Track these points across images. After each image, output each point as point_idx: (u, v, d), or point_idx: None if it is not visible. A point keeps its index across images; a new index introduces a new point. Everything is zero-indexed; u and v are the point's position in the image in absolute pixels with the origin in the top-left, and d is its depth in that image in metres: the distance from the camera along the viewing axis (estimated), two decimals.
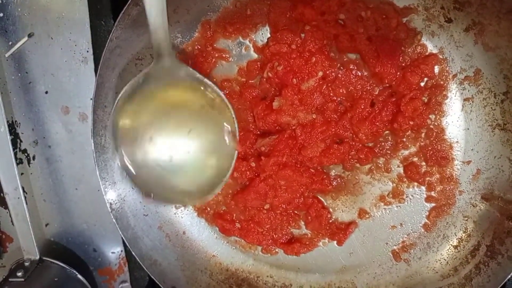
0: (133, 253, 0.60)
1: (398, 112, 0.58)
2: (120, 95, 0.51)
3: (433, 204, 0.62)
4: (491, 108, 0.57)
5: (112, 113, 0.52)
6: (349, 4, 0.56)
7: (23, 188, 0.69)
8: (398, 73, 0.57)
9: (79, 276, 0.73)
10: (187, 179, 0.55)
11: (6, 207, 0.72)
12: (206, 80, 0.51)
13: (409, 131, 0.60)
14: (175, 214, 0.67)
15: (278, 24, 0.58)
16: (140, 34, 0.56)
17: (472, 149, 0.59)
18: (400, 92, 0.58)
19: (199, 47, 0.61)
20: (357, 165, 0.63)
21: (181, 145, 0.53)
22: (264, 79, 0.60)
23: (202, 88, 0.52)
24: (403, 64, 0.57)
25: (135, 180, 0.54)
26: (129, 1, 0.51)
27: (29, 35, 0.67)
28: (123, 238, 0.60)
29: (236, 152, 0.53)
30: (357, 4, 0.56)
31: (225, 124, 0.53)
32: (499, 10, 0.49)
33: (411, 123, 0.58)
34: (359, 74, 0.58)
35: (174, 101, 0.53)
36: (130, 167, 0.53)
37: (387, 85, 0.58)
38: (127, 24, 0.53)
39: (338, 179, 0.63)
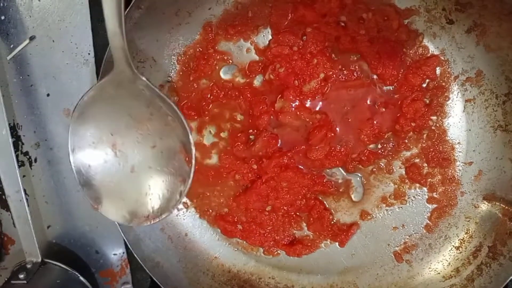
0: (135, 255, 0.60)
1: (400, 114, 0.58)
2: (80, 100, 0.51)
3: (435, 205, 0.62)
4: (493, 109, 0.57)
5: (72, 116, 0.51)
6: (350, 6, 0.56)
7: (25, 191, 0.69)
8: (400, 75, 0.57)
9: (81, 278, 0.73)
10: (143, 194, 0.52)
11: (8, 210, 0.72)
12: (163, 96, 0.50)
13: (411, 133, 0.60)
14: (177, 216, 0.67)
15: (279, 26, 0.58)
16: (141, 37, 0.56)
17: (474, 150, 0.59)
18: (402, 93, 0.58)
19: (201, 50, 0.61)
20: (359, 166, 0.63)
21: (144, 158, 0.52)
22: (266, 81, 0.60)
23: (159, 103, 0.50)
24: (405, 66, 0.57)
25: (87, 186, 0.53)
26: (131, 4, 0.51)
27: (31, 38, 0.67)
28: (125, 240, 0.60)
29: (191, 175, 0.50)
30: (358, 6, 0.56)
31: (182, 142, 0.51)
32: (501, 11, 0.49)
33: (413, 124, 0.58)
34: (361, 75, 0.58)
35: (136, 113, 0.51)
36: (84, 171, 0.52)
37: (389, 86, 0.58)
38: (128, 27, 0.53)
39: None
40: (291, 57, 0.57)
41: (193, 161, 0.50)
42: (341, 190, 0.63)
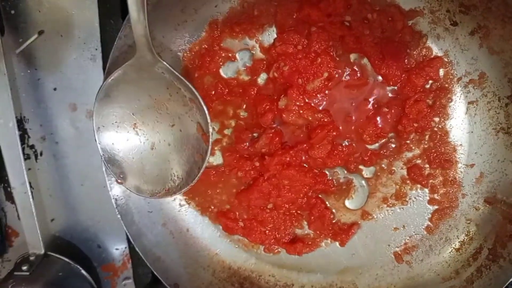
0: (137, 249, 0.61)
1: (402, 114, 0.58)
2: (105, 82, 0.54)
3: (436, 207, 0.62)
4: (495, 111, 0.57)
5: (97, 97, 0.55)
6: (355, 6, 0.56)
7: (30, 183, 0.70)
8: (403, 75, 0.57)
9: (83, 272, 0.74)
10: (163, 169, 0.57)
11: (13, 202, 0.73)
12: (182, 78, 0.53)
13: (413, 134, 0.60)
14: (179, 211, 0.68)
15: (284, 25, 0.58)
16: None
17: (475, 152, 0.60)
18: (405, 94, 0.58)
19: (206, 47, 0.62)
20: (361, 166, 0.63)
21: (164, 136, 0.56)
22: (270, 79, 0.60)
23: (178, 86, 0.53)
24: (408, 67, 0.57)
25: (111, 162, 0.57)
26: None
27: (39, 33, 0.68)
28: (128, 234, 0.61)
29: (209, 152, 0.54)
30: (363, 6, 0.56)
31: (199, 122, 0.54)
32: (504, 14, 0.49)
33: (415, 125, 0.58)
34: (364, 75, 0.59)
35: (156, 95, 0.55)
36: (108, 149, 0.56)
37: (392, 87, 0.58)
38: None
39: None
40: (296, 55, 0.58)
41: (210, 140, 0.54)
42: (343, 188, 0.64)
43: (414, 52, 0.57)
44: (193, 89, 0.52)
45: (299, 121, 0.61)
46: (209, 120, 0.53)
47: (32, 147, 0.73)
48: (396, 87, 0.58)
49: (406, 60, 0.57)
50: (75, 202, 0.76)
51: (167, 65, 0.52)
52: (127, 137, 0.56)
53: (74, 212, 0.76)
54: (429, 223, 0.62)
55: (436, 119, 0.59)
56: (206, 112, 0.53)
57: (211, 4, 0.60)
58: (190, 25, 0.61)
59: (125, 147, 0.56)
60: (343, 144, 0.62)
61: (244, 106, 0.63)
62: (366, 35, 0.57)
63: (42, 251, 0.72)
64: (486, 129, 0.58)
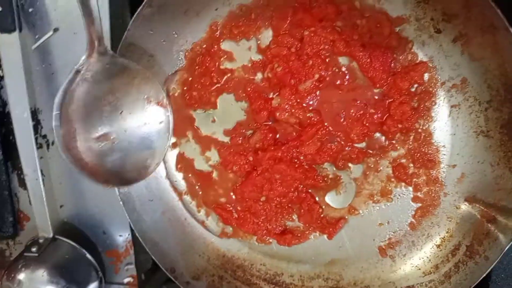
0: (137, 234, 0.64)
1: (387, 115, 0.61)
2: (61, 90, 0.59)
3: (419, 204, 0.65)
4: (476, 115, 0.60)
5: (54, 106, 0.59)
6: (346, 13, 0.59)
7: (41, 171, 0.74)
8: (389, 79, 0.60)
9: (88, 256, 0.78)
10: (128, 157, 0.61)
11: (25, 188, 0.77)
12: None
13: (398, 134, 0.63)
14: (178, 201, 0.71)
15: (279, 29, 0.62)
16: (152, 33, 0.61)
17: (457, 154, 0.62)
18: (391, 96, 0.61)
19: (206, 47, 0.65)
20: (349, 164, 0.66)
21: (117, 126, 0.60)
22: (265, 79, 0.64)
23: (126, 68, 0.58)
24: (395, 70, 0.60)
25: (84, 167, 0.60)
26: (143, 3, 0.56)
27: (55, 30, 0.73)
28: (129, 219, 0.65)
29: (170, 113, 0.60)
30: (353, 12, 0.59)
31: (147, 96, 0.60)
32: (482, 23, 0.52)
33: (400, 126, 0.61)
34: (353, 78, 0.62)
35: (105, 88, 0.59)
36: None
37: (379, 89, 0.61)
38: (140, 24, 0.58)
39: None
40: (289, 57, 0.61)
41: (168, 105, 0.60)
42: (328, 183, 0.67)
43: (401, 57, 0.60)
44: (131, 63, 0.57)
45: (291, 119, 0.64)
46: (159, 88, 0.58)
47: (44, 137, 0.78)
48: (382, 90, 0.61)
49: (392, 64, 0.60)
50: (83, 190, 0.80)
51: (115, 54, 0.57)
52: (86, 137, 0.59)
53: (82, 200, 0.80)
54: (413, 219, 0.65)
55: (420, 121, 0.62)
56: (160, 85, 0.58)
57: (212, 7, 0.63)
58: (192, 26, 0.65)
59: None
60: (332, 142, 0.65)
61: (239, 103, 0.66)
62: (355, 39, 0.60)
63: (51, 235, 0.76)
64: (468, 131, 0.61)
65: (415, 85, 0.61)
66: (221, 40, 0.65)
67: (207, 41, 0.65)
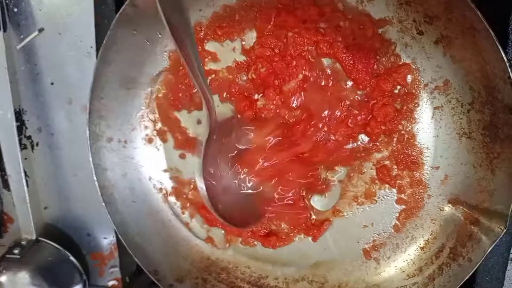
0: (120, 236, 0.64)
1: (371, 117, 0.61)
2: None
3: (403, 206, 0.65)
4: (459, 117, 0.60)
5: None
6: (329, 14, 0.59)
7: (25, 172, 0.74)
8: (372, 80, 0.60)
9: (72, 258, 0.77)
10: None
11: (9, 189, 0.77)
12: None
13: (382, 136, 0.63)
14: (162, 202, 0.71)
15: (263, 30, 0.62)
16: (135, 33, 0.61)
17: (441, 156, 0.62)
18: (374, 98, 0.61)
19: None
20: (336, 167, 0.66)
21: None
22: (249, 80, 0.64)
23: None
24: (378, 72, 0.61)
25: None
26: (126, 2, 0.56)
27: (40, 30, 0.73)
28: (112, 221, 0.64)
29: None
30: (336, 14, 0.59)
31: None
32: (463, 25, 0.52)
33: (383, 127, 0.61)
34: (336, 79, 0.62)
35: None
36: None
37: (362, 91, 0.61)
38: (123, 24, 0.58)
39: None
40: (272, 58, 0.61)
41: None
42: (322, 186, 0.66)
43: (383, 59, 0.60)
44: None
45: (277, 119, 0.64)
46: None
47: (29, 137, 0.77)
48: (365, 91, 0.61)
49: (375, 66, 0.60)
50: (67, 192, 0.80)
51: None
52: None
53: (67, 201, 0.80)
54: (397, 222, 0.65)
55: (404, 123, 0.62)
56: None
57: (195, 8, 0.63)
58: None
59: None
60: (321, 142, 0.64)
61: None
62: (338, 41, 0.60)
63: (34, 237, 0.76)
64: (451, 133, 0.61)
65: (398, 87, 0.61)
66: (205, 41, 0.65)
67: None
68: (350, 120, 0.62)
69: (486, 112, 0.56)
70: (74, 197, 0.80)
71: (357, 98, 0.62)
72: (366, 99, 0.62)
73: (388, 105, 0.60)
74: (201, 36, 0.64)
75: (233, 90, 0.65)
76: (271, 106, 0.63)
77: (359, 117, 0.62)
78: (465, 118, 0.59)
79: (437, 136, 0.62)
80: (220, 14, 0.63)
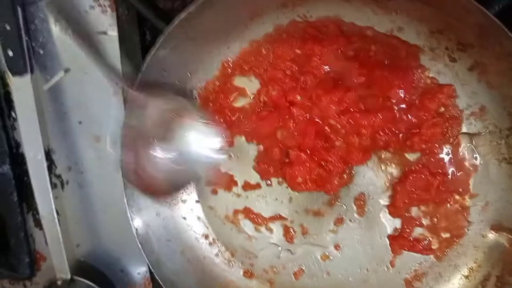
0: (156, 277, 0.64)
1: (418, 132, 0.60)
2: None
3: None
4: (497, 142, 0.59)
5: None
6: (357, 42, 0.59)
7: (57, 211, 0.74)
8: (415, 99, 0.59)
9: None
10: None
11: (41, 228, 0.77)
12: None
13: None
14: (196, 239, 0.70)
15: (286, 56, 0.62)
16: (166, 74, 0.62)
17: (480, 182, 0.61)
18: (420, 117, 0.60)
19: (219, 84, 0.66)
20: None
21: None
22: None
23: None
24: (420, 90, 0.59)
25: None
26: (157, 45, 0.57)
27: (66, 71, 0.73)
28: (148, 261, 0.64)
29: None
30: (365, 40, 0.59)
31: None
32: (499, 52, 0.51)
33: (423, 146, 0.60)
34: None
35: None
36: None
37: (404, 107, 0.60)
38: (154, 65, 0.58)
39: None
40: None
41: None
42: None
43: (422, 76, 0.59)
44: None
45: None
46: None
47: (58, 176, 0.77)
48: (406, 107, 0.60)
49: (414, 84, 0.59)
50: (98, 229, 0.79)
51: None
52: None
53: (98, 238, 0.80)
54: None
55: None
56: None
57: (223, 46, 0.63)
58: (205, 66, 0.65)
59: None
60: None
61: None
62: (372, 62, 0.59)
63: (69, 276, 0.75)
64: (489, 159, 0.60)
65: (442, 108, 0.60)
66: (233, 77, 0.65)
67: (220, 79, 0.65)
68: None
69: None
70: (105, 233, 0.79)
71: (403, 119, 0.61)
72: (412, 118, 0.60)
73: (438, 126, 0.59)
74: (229, 72, 0.65)
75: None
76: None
77: (401, 135, 0.61)
78: (504, 144, 0.58)
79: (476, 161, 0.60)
80: (247, 49, 0.63)
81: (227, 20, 0.60)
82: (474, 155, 0.61)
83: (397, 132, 0.61)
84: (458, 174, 0.61)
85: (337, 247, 0.67)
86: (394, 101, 0.60)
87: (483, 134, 0.59)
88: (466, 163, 0.61)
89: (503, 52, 0.50)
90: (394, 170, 0.64)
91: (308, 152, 0.63)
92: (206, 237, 0.70)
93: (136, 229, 0.63)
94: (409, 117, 0.61)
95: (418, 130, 0.60)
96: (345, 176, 0.64)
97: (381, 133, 0.61)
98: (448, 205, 0.62)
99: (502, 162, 0.59)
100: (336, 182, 0.64)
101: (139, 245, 0.63)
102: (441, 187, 0.61)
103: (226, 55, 0.64)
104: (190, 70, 0.64)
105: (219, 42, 0.62)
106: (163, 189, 0.63)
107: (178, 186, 0.66)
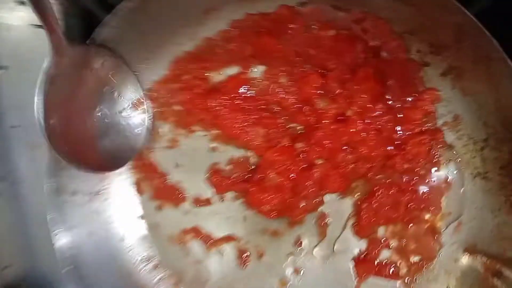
0: None
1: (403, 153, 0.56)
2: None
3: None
4: (471, 155, 0.55)
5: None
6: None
7: None
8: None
9: None
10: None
11: None
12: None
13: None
14: (135, 264, 0.63)
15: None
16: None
17: (453, 200, 0.56)
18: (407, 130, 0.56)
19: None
20: None
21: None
22: None
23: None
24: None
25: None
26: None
27: (3, 68, 0.67)
28: None
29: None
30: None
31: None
32: (475, 55, 0.48)
33: (405, 166, 0.56)
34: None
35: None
36: None
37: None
38: None
39: None
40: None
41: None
42: None
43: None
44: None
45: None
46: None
47: None
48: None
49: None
50: (32, 247, 0.71)
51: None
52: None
53: (32, 258, 0.72)
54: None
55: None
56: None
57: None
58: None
59: None
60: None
61: None
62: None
63: None
64: (463, 174, 0.55)
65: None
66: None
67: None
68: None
69: (504, 149, 0.51)
70: (40, 253, 0.71)
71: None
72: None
73: (424, 145, 0.55)
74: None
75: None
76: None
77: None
78: (478, 157, 0.54)
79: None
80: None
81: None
82: (447, 170, 0.56)
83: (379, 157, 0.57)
84: (428, 191, 0.56)
85: (296, 271, 0.60)
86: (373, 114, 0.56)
87: (456, 146, 0.55)
88: (438, 179, 0.56)
89: (480, 54, 0.47)
90: (360, 186, 0.58)
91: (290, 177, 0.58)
92: (148, 260, 0.62)
93: (60, 249, 0.57)
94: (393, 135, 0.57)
95: (402, 149, 0.56)
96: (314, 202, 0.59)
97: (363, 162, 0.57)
98: (418, 225, 0.57)
99: (476, 177, 0.55)
100: (302, 208, 0.59)
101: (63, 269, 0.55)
102: (410, 204, 0.56)
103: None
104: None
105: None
106: (95, 158, 0.58)
107: (111, 158, 0.60)
